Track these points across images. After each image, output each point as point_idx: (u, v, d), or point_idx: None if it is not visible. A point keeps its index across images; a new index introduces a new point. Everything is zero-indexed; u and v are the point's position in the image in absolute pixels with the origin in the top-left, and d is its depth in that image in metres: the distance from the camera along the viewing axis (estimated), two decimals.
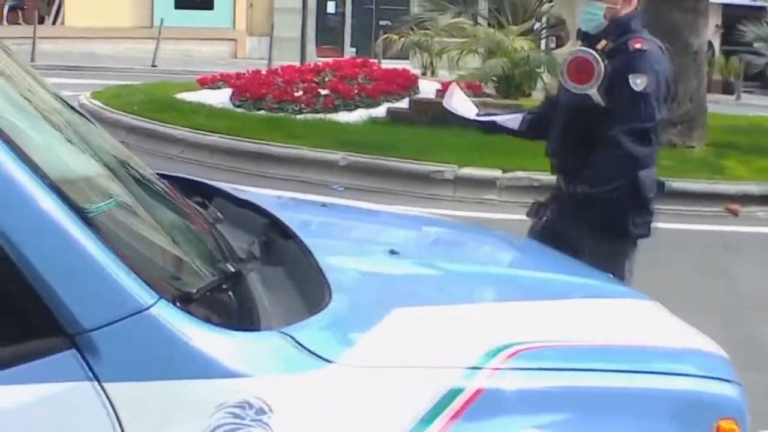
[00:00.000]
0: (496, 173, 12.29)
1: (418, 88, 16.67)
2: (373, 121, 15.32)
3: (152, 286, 2.12)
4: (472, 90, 16.08)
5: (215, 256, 2.67)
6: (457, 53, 19.09)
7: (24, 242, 2.02)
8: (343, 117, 15.31)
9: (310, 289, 2.63)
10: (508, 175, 12.29)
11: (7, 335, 2.06)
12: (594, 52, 5.11)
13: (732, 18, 34.42)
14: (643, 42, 5.27)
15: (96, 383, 2.03)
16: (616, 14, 5.24)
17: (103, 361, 2.04)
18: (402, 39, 22.12)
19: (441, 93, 16.13)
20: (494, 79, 17.02)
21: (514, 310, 2.85)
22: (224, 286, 2.45)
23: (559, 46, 22.80)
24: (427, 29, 21.30)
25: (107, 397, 2.04)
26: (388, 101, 15.99)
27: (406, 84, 16.73)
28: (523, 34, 18.81)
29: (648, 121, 5.15)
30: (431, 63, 21.21)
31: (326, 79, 16.33)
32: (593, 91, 5.07)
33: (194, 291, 2.28)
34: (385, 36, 24.08)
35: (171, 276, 2.32)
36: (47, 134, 2.50)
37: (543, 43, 25.35)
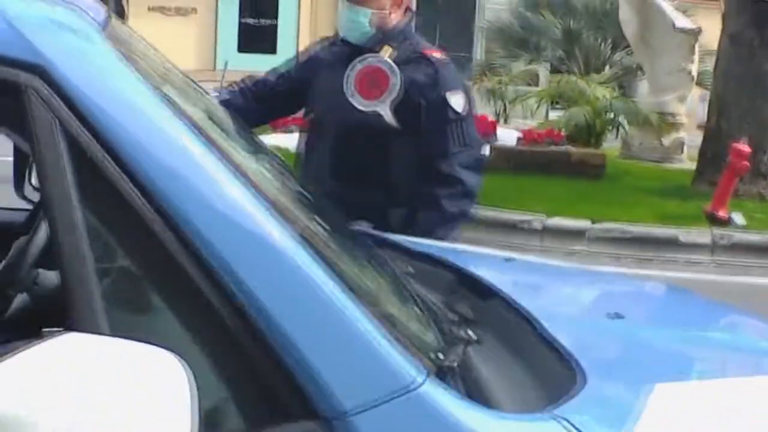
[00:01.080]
0: (586, 224, 11.91)
1: (496, 135, 16.32)
2: None
3: (417, 359, 1.76)
4: (553, 139, 15.75)
5: (443, 321, 2.29)
6: (535, 101, 18.70)
7: (279, 309, 1.67)
8: None
9: (549, 361, 2.26)
10: (598, 225, 11.90)
11: (253, 417, 1.71)
12: (390, 61, 4.36)
13: None
14: (439, 51, 4.59)
15: None
16: (385, 22, 4.49)
17: None
18: (475, 86, 21.77)
19: (524, 142, 15.88)
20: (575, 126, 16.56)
21: None
22: (469, 358, 2.09)
23: (622, 95, 22.34)
24: (500, 76, 20.91)
25: None
26: None
27: (485, 131, 16.38)
28: (602, 82, 18.40)
29: (480, 146, 4.54)
30: (504, 110, 20.81)
31: None
32: (385, 109, 4.34)
33: (453, 365, 1.92)
34: None
35: (425, 346, 1.95)
36: (260, 170, 2.15)
37: None
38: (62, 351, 1.45)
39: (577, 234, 11.86)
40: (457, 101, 4.40)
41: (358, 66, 4.41)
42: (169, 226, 1.67)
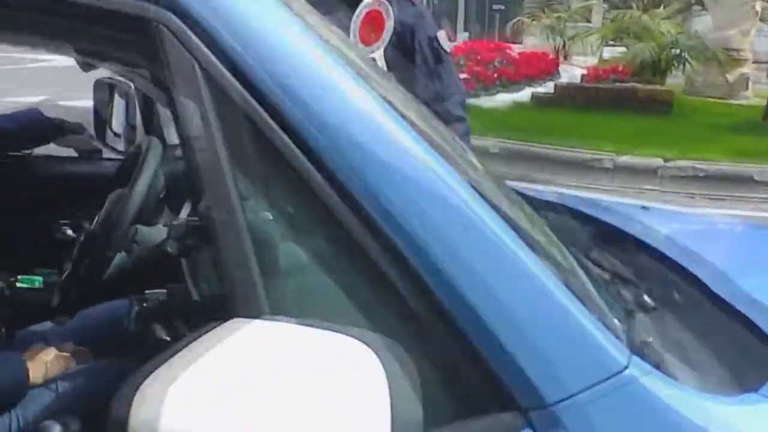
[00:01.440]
0: (657, 162, 11.56)
1: (559, 72, 16.03)
2: (517, 106, 14.60)
3: (620, 339, 1.49)
4: (618, 75, 15.39)
5: (629, 290, 2.00)
6: (596, 38, 18.23)
7: (479, 296, 1.40)
8: (486, 102, 14.58)
9: (732, 327, 1.98)
10: (670, 164, 11.55)
11: (451, 410, 1.44)
12: (386, 3, 4.03)
13: None
14: None
15: None
16: None
17: None
18: (533, 22, 21.38)
19: (588, 78, 15.51)
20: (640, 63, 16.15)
21: None
22: (668, 332, 1.81)
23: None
24: (559, 13, 20.51)
25: None
26: (529, 86, 15.31)
27: (548, 68, 16.06)
28: (665, 17, 17.98)
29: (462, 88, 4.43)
30: (563, 47, 20.39)
31: (461, 63, 15.61)
32: (379, 53, 4.04)
33: (652, 341, 1.65)
34: (516, 19, 23.41)
35: (622, 324, 1.66)
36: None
37: None
38: (254, 344, 1.19)
39: (649, 173, 11.52)
40: (444, 40, 4.16)
41: (363, 11, 4.09)
42: (348, 200, 1.40)
